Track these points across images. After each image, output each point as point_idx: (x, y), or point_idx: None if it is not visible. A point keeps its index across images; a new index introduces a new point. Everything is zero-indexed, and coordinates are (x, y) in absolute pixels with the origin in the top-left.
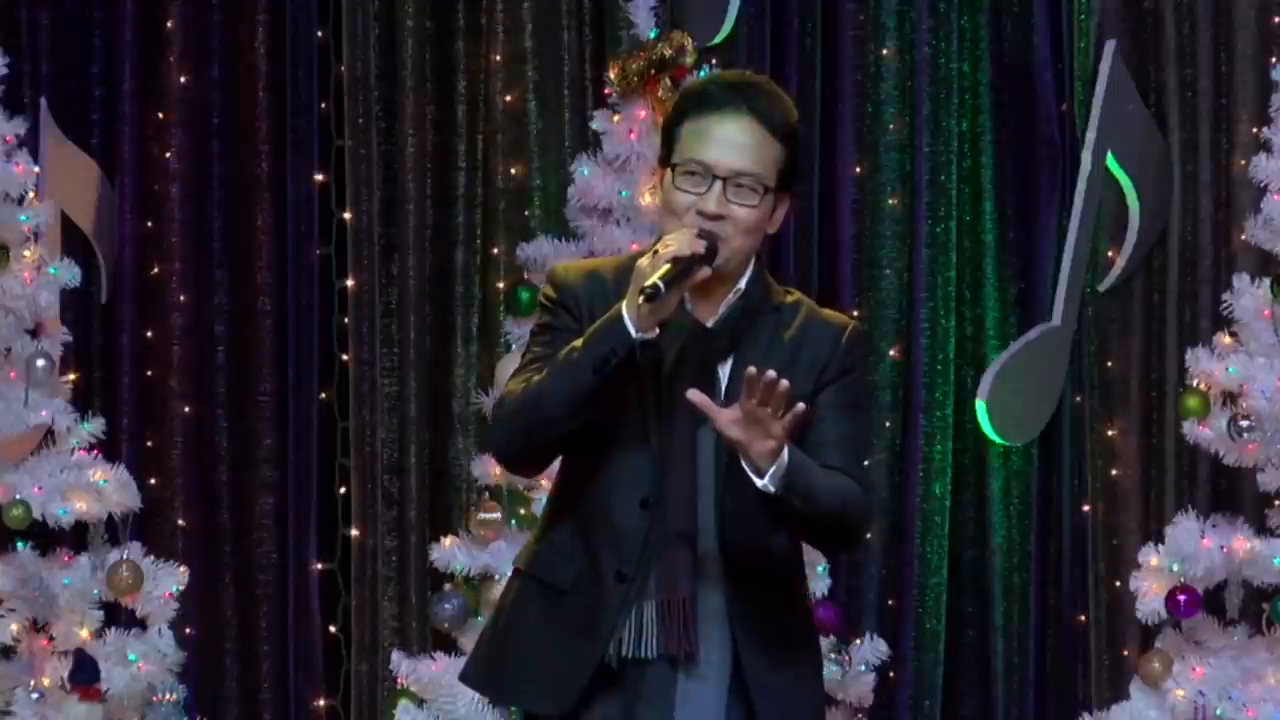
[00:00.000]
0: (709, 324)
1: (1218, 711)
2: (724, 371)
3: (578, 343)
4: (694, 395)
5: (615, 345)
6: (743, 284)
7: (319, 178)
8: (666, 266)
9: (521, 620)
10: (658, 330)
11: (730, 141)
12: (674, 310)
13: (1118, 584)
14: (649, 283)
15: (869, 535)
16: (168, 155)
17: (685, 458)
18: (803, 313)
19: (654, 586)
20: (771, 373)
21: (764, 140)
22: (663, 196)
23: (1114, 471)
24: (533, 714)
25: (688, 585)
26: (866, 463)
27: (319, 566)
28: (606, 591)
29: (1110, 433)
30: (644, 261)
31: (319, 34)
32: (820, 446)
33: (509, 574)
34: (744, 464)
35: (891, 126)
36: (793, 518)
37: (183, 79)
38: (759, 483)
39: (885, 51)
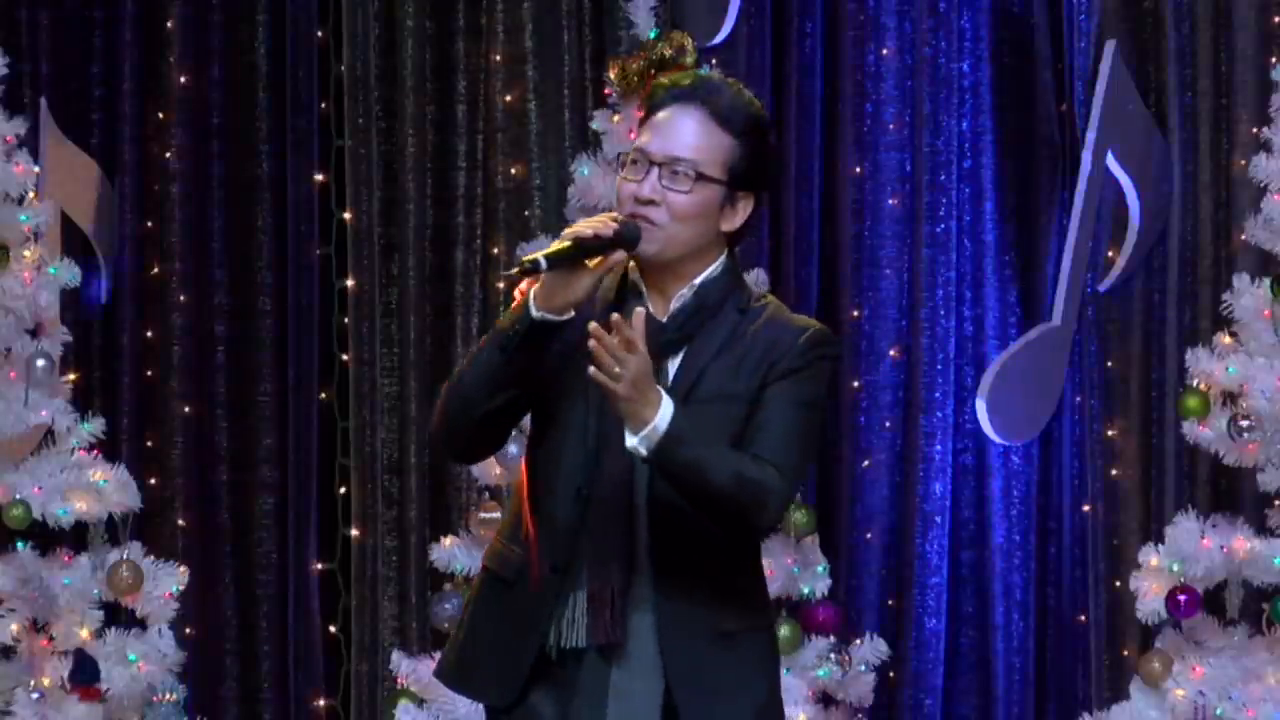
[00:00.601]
0: (662, 319)
1: (1218, 711)
2: (673, 366)
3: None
4: (593, 373)
5: (517, 323)
6: (698, 280)
7: (319, 178)
8: (563, 245)
9: (477, 613)
10: (571, 313)
11: (671, 129)
12: (584, 292)
13: (1118, 584)
14: (529, 256)
15: (792, 529)
16: (168, 155)
17: (621, 447)
18: (767, 315)
19: (586, 577)
20: (616, 316)
21: (710, 131)
22: None
23: (1114, 471)
24: (487, 706)
25: (619, 575)
26: (800, 460)
27: (319, 566)
28: (543, 585)
29: (1110, 433)
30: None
31: (319, 34)
32: (755, 429)
33: None
34: (625, 425)
35: (891, 126)
36: (680, 491)
37: (183, 79)
38: (629, 442)
39: (885, 51)
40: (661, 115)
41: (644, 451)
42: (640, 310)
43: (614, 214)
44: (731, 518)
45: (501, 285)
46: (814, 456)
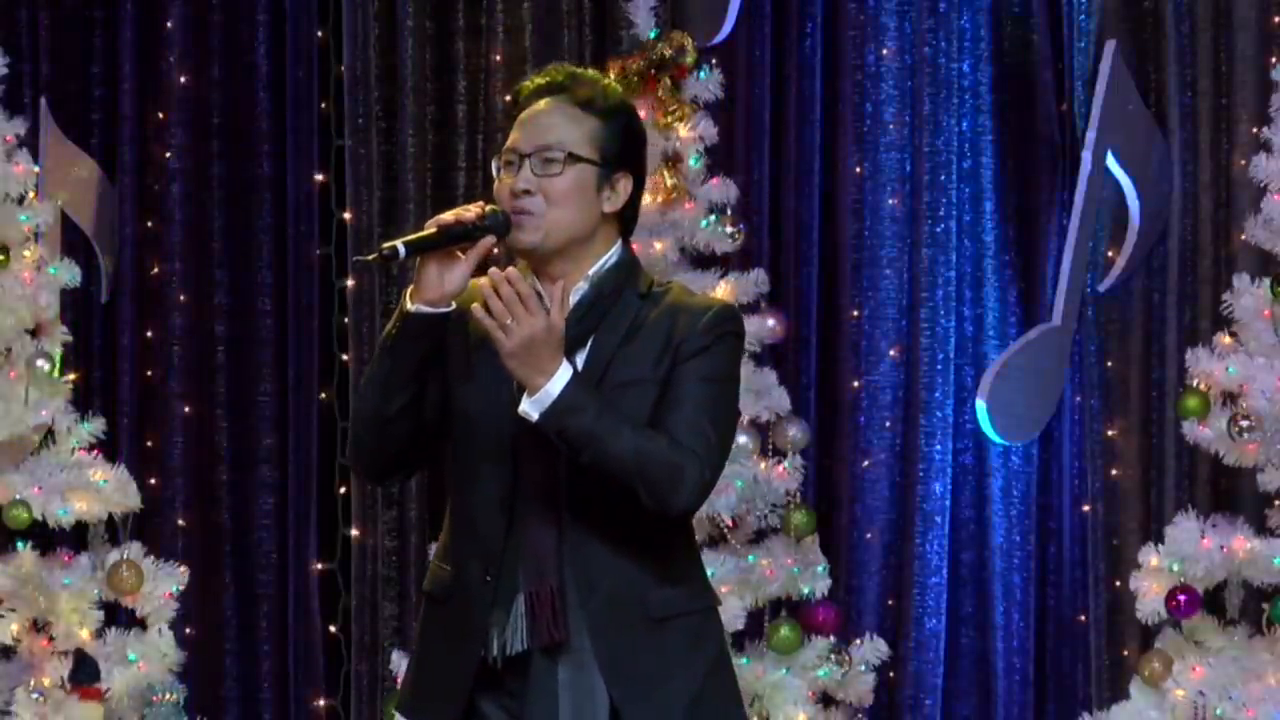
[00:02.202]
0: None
1: (1218, 711)
2: (580, 359)
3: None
4: (480, 316)
5: (397, 321)
6: (592, 271)
7: (319, 178)
8: (426, 232)
9: (421, 639)
10: (451, 305)
11: (534, 122)
12: (459, 283)
13: (1118, 584)
14: (388, 243)
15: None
16: (168, 155)
17: (539, 449)
18: (670, 299)
19: (522, 583)
20: (511, 270)
21: (573, 115)
22: None
23: (1114, 471)
24: None
25: (554, 573)
26: (718, 437)
27: (319, 566)
28: (476, 594)
29: (1110, 433)
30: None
31: (319, 34)
32: (666, 410)
33: None
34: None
35: (891, 126)
36: (583, 466)
37: (183, 79)
38: (520, 406)
39: (885, 51)
40: (525, 114)
41: (535, 416)
42: (555, 290)
43: (477, 205)
44: (639, 496)
45: (351, 280)
46: (732, 433)
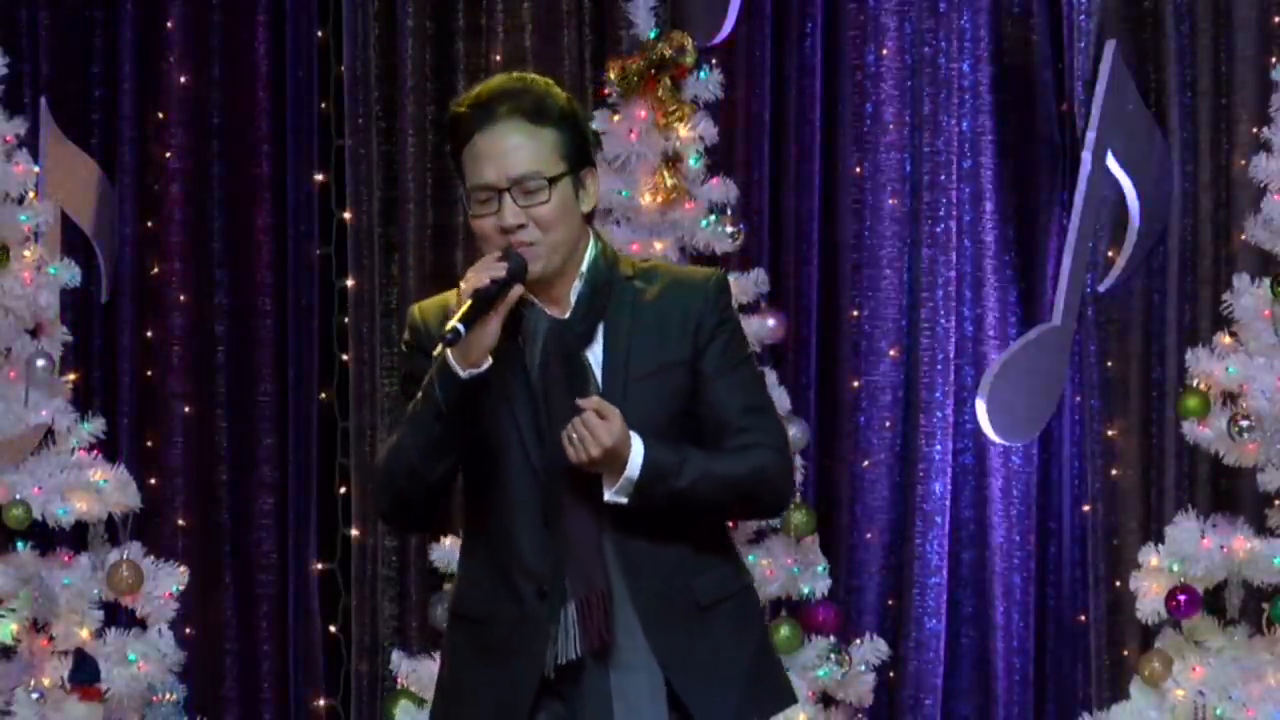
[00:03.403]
0: (564, 317)
1: (1218, 711)
2: (594, 355)
3: (419, 394)
4: (570, 454)
5: (447, 390)
6: (584, 267)
7: (319, 178)
8: (467, 305)
9: (459, 660)
10: (489, 360)
11: (499, 152)
12: (495, 335)
13: (1118, 584)
14: (449, 326)
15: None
16: (168, 155)
17: (567, 461)
18: (662, 276)
19: (571, 592)
20: (580, 401)
21: (532, 134)
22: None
23: (1114, 471)
24: None
25: (602, 579)
26: (773, 412)
27: (319, 566)
28: (531, 612)
29: (1110, 433)
30: (452, 298)
31: (319, 34)
32: (724, 414)
33: None
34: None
35: (891, 126)
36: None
37: (183, 79)
38: (606, 496)
39: (885, 51)
40: (481, 143)
41: (624, 501)
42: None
43: (494, 254)
44: (747, 512)
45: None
46: (771, 397)
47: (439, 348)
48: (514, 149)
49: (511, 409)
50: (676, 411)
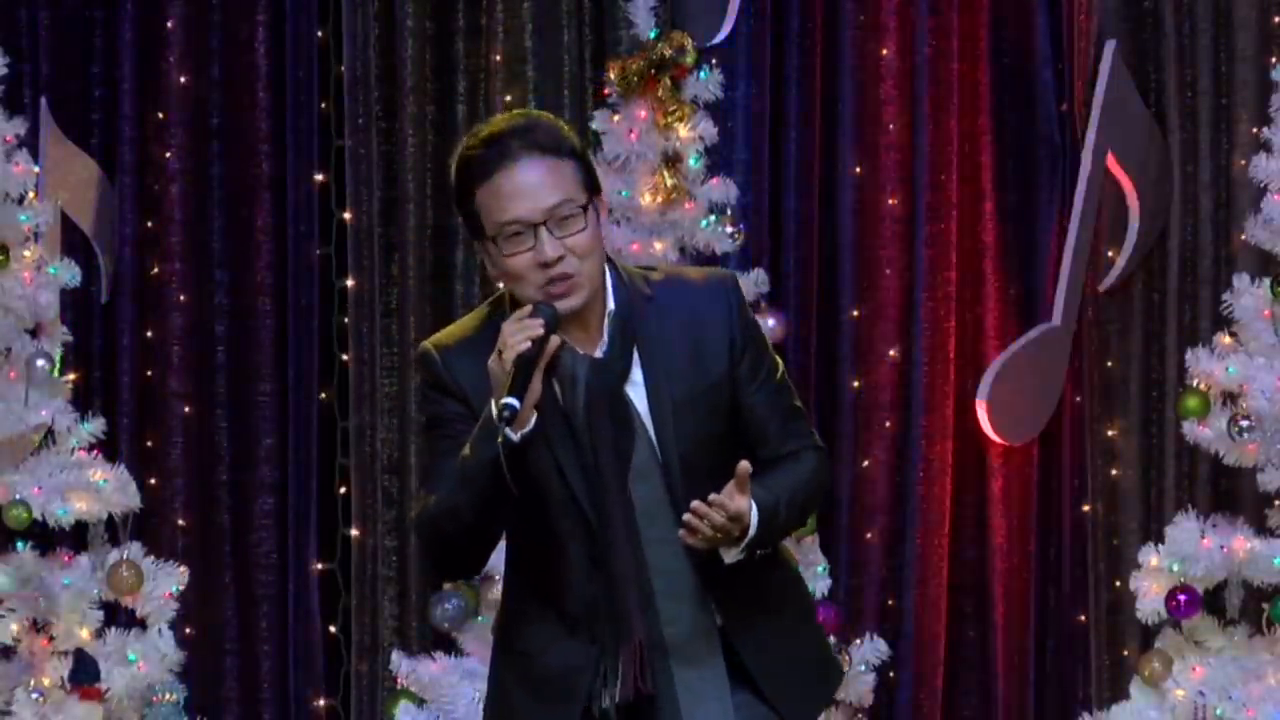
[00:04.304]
0: (599, 354)
1: (1218, 711)
2: (635, 388)
3: (466, 451)
4: (690, 541)
5: (500, 449)
6: (611, 302)
7: (319, 178)
8: (515, 373)
9: (505, 692)
10: (535, 415)
11: (527, 186)
12: (539, 391)
13: (1118, 584)
14: (504, 403)
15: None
16: (168, 155)
17: (619, 498)
18: (676, 289)
19: (613, 635)
20: (697, 505)
21: (554, 165)
22: (495, 270)
23: (1114, 471)
24: None
25: (640, 626)
26: (804, 410)
27: (319, 566)
28: (580, 652)
29: (1110, 433)
30: (493, 364)
31: (319, 34)
32: (766, 422)
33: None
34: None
35: (891, 126)
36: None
37: (183, 79)
38: (727, 559)
39: (885, 51)
40: (503, 181)
41: (742, 556)
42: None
43: (521, 314)
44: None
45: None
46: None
47: (500, 420)
48: (543, 180)
49: (553, 451)
50: (725, 428)
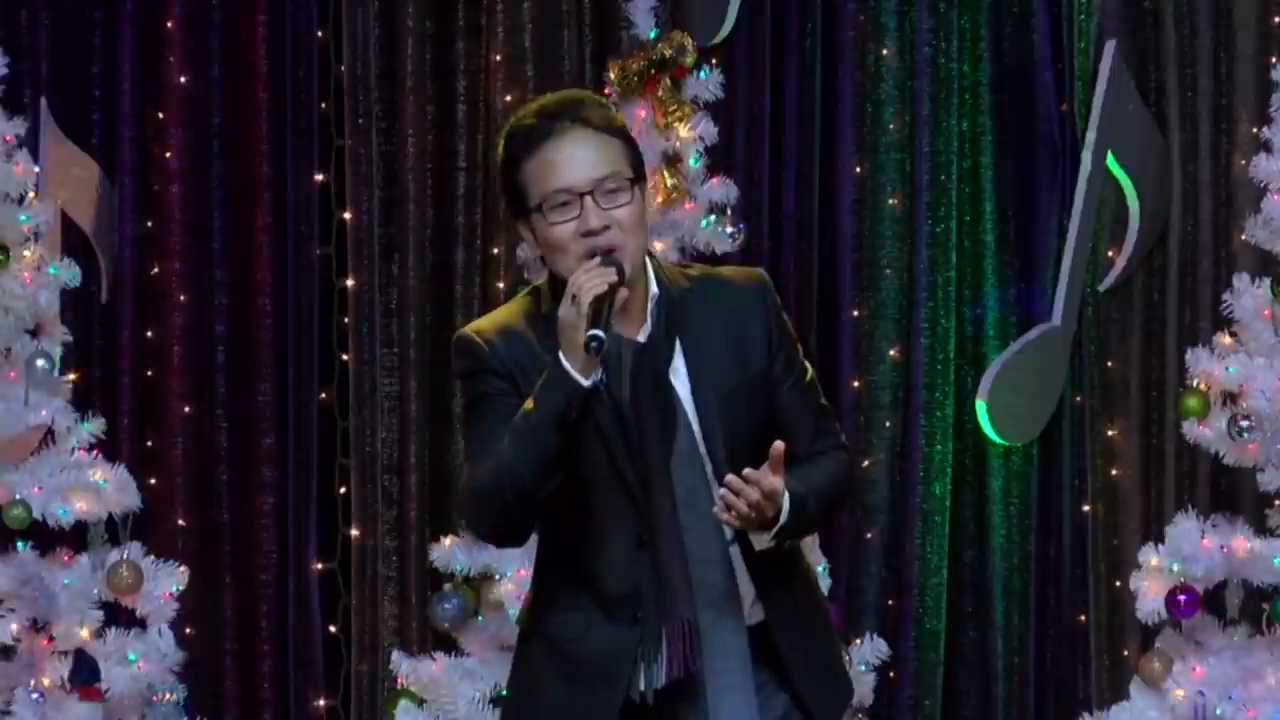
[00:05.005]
0: (642, 339)
1: (1218, 711)
2: (678, 375)
3: (528, 406)
4: (724, 518)
5: (569, 398)
6: (654, 287)
7: (319, 178)
8: (589, 314)
9: (538, 680)
10: (601, 369)
11: (576, 156)
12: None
13: (1118, 584)
14: (590, 334)
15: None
16: (168, 155)
17: (663, 480)
18: (714, 285)
19: (658, 617)
20: (732, 480)
21: (603, 141)
22: (539, 241)
23: (1114, 471)
24: None
25: (688, 607)
26: (829, 409)
27: (319, 566)
28: (620, 636)
29: (1110, 433)
30: (564, 311)
31: (319, 34)
32: (799, 419)
33: (511, 594)
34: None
35: (891, 126)
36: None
37: (183, 79)
38: (758, 546)
39: (885, 51)
40: (553, 151)
41: (773, 543)
42: (722, 491)
43: (590, 263)
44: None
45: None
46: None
47: (588, 355)
48: (592, 152)
49: (600, 431)
50: (763, 422)
